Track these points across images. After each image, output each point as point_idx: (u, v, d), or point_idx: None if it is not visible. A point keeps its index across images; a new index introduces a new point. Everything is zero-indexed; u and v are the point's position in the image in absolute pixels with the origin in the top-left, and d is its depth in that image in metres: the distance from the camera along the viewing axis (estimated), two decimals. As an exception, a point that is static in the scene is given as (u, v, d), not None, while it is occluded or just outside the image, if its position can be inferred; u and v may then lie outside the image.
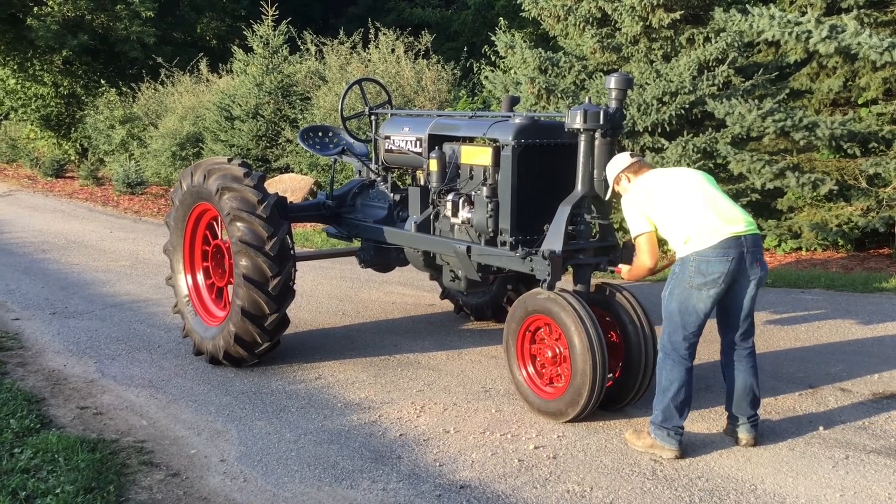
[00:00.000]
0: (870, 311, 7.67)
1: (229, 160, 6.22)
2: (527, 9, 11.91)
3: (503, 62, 12.15)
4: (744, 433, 4.71)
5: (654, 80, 10.26)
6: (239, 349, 5.95)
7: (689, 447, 4.67)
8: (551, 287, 5.01)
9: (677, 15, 10.37)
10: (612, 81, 5.06)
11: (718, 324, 4.77)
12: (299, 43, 16.33)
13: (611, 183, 4.89)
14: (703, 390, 5.57)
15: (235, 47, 17.21)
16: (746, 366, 4.70)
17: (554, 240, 5.08)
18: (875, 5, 9.87)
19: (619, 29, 10.93)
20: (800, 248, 10.47)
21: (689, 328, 4.50)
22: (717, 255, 4.38)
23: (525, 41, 11.94)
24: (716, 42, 10.09)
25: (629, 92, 5.69)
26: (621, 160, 4.85)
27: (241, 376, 5.98)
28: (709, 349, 6.50)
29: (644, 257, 4.68)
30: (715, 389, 5.58)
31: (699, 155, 10.12)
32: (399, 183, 7.27)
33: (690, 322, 4.49)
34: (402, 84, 13.43)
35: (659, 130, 10.33)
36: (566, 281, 5.16)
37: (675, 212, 4.54)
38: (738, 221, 4.48)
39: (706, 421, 5.07)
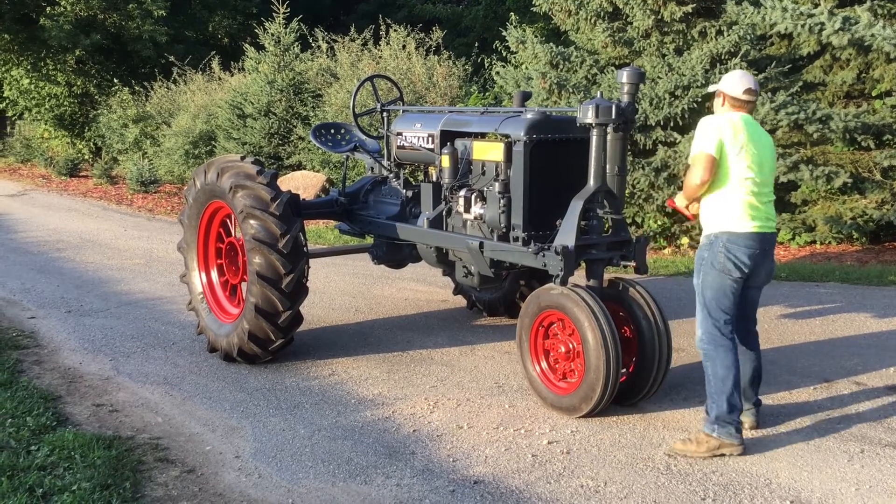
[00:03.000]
0: (885, 304, 7.63)
1: (242, 158, 6.24)
2: (538, 3, 11.89)
3: (514, 57, 12.14)
4: (748, 417, 4.75)
5: (667, 74, 10.23)
6: (253, 346, 5.97)
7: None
8: (564, 282, 5.01)
9: (689, 8, 10.34)
10: (624, 76, 5.05)
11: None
12: (310, 40, 16.35)
13: (716, 89, 4.72)
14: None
15: (247, 45, 17.26)
16: (756, 352, 4.81)
17: (566, 235, 5.07)
18: (889, -4, 9.81)
19: (631, 23, 10.90)
20: (814, 242, 10.42)
21: (728, 312, 4.55)
22: (745, 243, 4.46)
23: (536, 36, 11.93)
24: (728, 35, 10.05)
25: (641, 86, 5.68)
26: (738, 85, 4.59)
27: (255, 373, 6.01)
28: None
29: (699, 172, 4.47)
30: (729, 384, 5.56)
31: (712, 149, 10.08)
32: (411, 179, 7.27)
33: (727, 305, 4.55)
34: (414, 80, 13.43)
35: (671, 124, 10.29)
36: (579, 276, 5.15)
37: (731, 173, 4.45)
38: (771, 218, 4.58)
39: (720, 415, 5.05)
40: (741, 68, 9.96)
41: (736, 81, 4.62)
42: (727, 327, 4.55)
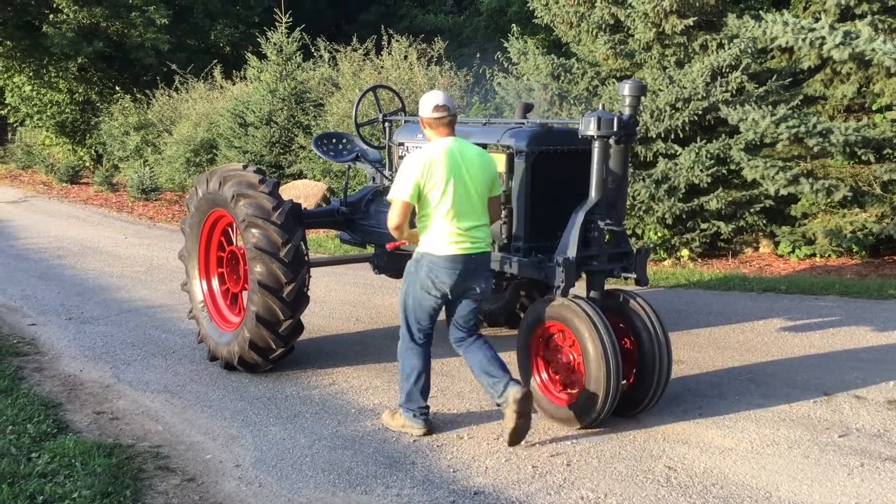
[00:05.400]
0: (884, 317, 7.64)
1: (244, 167, 6.26)
2: (539, 15, 11.94)
3: (516, 68, 12.17)
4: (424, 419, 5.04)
5: (668, 87, 10.27)
6: (253, 355, 5.98)
7: (703, 453, 4.67)
8: (565, 294, 5.01)
9: (690, 21, 10.38)
10: (626, 88, 5.07)
11: (448, 319, 5.06)
12: (312, 50, 16.39)
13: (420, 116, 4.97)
14: (717, 397, 5.57)
15: (249, 54, 17.29)
16: (478, 348, 4.95)
17: (568, 246, 5.08)
18: (889, 11, 9.84)
19: (632, 35, 10.95)
20: (814, 255, 10.43)
21: (422, 323, 4.95)
22: (448, 265, 4.75)
23: (538, 47, 11.96)
24: (729, 48, 10.08)
25: (642, 98, 5.70)
26: (427, 105, 4.86)
27: (255, 382, 6.01)
28: (721, 356, 6.49)
29: (394, 217, 4.80)
30: (729, 396, 5.57)
31: (712, 161, 10.12)
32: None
33: (423, 318, 4.94)
34: (416, 90, 13.45)
35: (672, 137, 10.33)
36: (580, 287, 5.16)
37: (432, 205, 4.75)
38: (478, 239, 4.83)
39: (721, 428, 5.06)
40: (741, 82, 10.03)
41: (425, 102, 4.89)
42: (419, 335, 4.98)
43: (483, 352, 4.89)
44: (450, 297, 4.86)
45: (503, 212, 5.50)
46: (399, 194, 4.77)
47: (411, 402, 5.01)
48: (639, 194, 10.19)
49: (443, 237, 4.76)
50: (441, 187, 4.72)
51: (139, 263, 10.70)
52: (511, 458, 4.67)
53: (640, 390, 5.09)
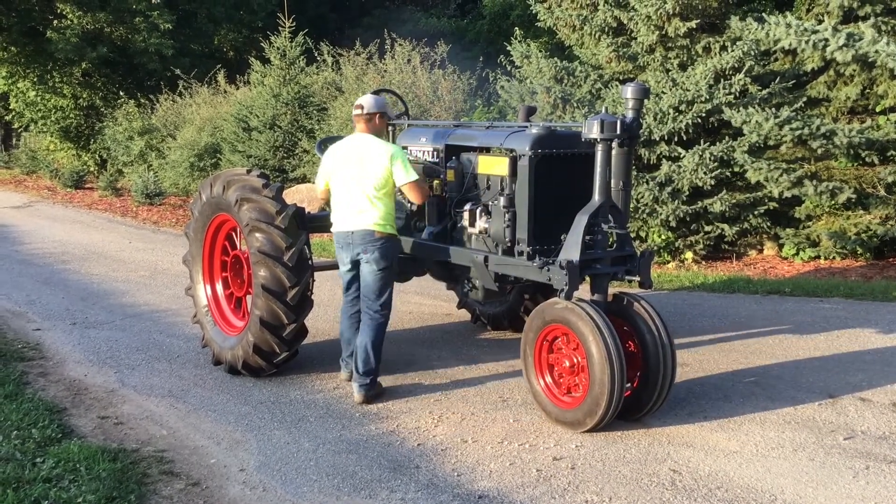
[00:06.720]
0: (889, 319, 7.62)
1: (248, 171, 6.27)
2: (542, 18, 11.95)
3: (519, 72, 12.18)
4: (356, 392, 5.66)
5: (671, 89, 10.27)
6: (257, 359, 5.98)
7: (708, 456, 4.67)
8: (569, 297, 5.01)
9: (693, 24, 10.38)
10: (629, 91, 5.07)
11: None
12: (316, 54, 16.42)
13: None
14: (722, 400, 5.56)
15: (253, 58, 17.33)
16: (366, 327, 5.71)
17: (571, 249, 5.08)
18: (892, 13, 9.84)
19: (635, 38, 10.95)
20: (818, 257, 10.42)
21: (344, 290, 5.92)
22: (336, 239, 5.75)
23: (541, 51, 11.97)
24: (732, 51, 10.09)
25: (645, 101, 5.72)
26: (355, 103, 5.84)
27: (259, 386, 6.01)
28: (725, 359, 6.49)
29: (316, 191, 6.10)
30: (734, 399, 5.56)
31: (716, 163, 10.12)
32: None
33: (343, 285, 5.90)
34: (419, 94, 13.47)
35: (675, 139, 10.33)
36: (584, 290, 5.16)
37: (333, 192, 5.76)
38: (351, 220, 5.62)
39: (725, 431, 5.05)
40: (745, 84, 10.03)
41: (366, 101, 5.85)
42: (344, 297, 5.91)
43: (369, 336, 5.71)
44: (350, 265, 5.73)
45: (506, 214, 5.48)
46: (317, 182, 5.99)
47: (343, 354, 6.05)
48: (642, 197, 10.19)
49: (336, 217, 5.73)
50: (335, 176, 5.71)
51: (143, 268, 10.72)
52: (515, 462, 4.67)
53: (644, 393, 5.08)
